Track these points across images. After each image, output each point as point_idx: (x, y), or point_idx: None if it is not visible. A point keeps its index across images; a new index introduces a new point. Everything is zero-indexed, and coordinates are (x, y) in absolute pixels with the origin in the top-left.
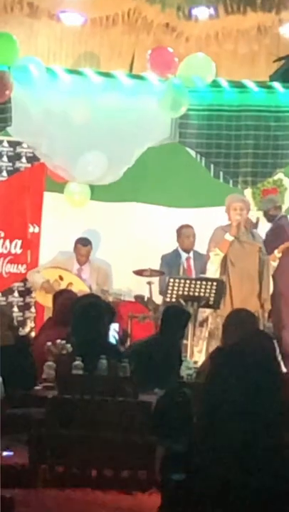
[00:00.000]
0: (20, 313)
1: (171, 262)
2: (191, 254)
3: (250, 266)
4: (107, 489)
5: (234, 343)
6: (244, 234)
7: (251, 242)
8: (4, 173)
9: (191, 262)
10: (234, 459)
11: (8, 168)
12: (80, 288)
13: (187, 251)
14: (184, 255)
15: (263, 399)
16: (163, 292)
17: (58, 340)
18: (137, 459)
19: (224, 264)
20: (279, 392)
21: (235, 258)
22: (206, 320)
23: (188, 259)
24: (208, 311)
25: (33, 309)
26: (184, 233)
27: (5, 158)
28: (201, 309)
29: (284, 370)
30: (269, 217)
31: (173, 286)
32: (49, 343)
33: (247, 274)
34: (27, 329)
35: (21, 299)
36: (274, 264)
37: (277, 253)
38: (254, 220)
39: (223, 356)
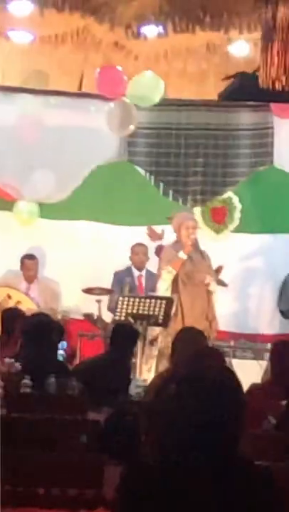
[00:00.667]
0: None
1: (122, 280)
2: (144, 272)
3: (200, 285)
4: (55, 508)
5: (192, 363)
6: (195, 252)
7: (201, 261)
8: None
9: (143, 280)
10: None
11: None
12: (28, 306)
13: (140, 269)
14: (136, 273)
15: (223, 414)
16: (112, 310)
17: (6, 359)
18: (84, 477)
19: (176, 282)
20: (239, 407)
21: (187, 277)
22: (156, 338)
23: (139, 277)
24: (158, 329)
25: None
26: (137, 251)
27: None
28: (151, 328)
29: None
30: None
31: (122, 304)
32: None
33: (198, 294)
34: None
35: None
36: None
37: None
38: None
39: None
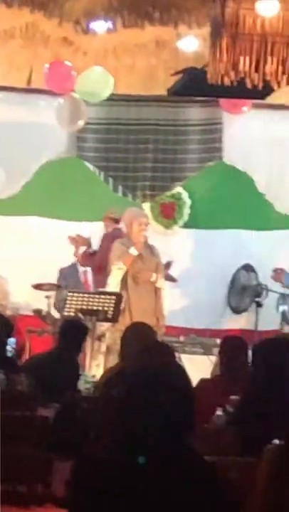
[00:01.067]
0: None
1: (68, 276)
2: (89, 268)
3: (149, 282)
4: (3, 504)
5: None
6: (145, 249)
7: (150, 258)
8: None
9: (89, 275)
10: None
11: None
12: None
13: (84, 265)
14: (80, 269)
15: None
16: (60, 306)
17: None
18: (33, 473)
19: (125, 279)
20: (188, 402)
21: (136, 273)
22: (103, 334)
23: (85, 272)
24: (106, 325)
25: None
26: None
27: None
28: (99, 323)
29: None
30: None
31: (71, 300)
32: None
33: (145, 290)
34: None
35: None
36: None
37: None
38: None
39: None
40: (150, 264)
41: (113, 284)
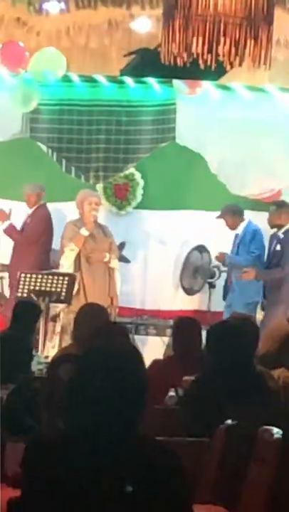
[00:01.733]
0: None
1: None
2: None
3: (102, 262)
4: None
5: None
6: (97, 229)
7: (103, 238)
8: None
9: None
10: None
11: None
12: None
13: None
14: None
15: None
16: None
17: None
18: None
19: (78, 259)
20: (141, 382)
21: (88, 254)
22: (58, 315)
23: None
24: (60, 306)
25: None
26: None
27: None
28: (53, 304)
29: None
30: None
31: (24, 280)
32: None
33: (98, 271)
34: None
35: None
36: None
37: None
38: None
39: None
40: (103, 245)
41: (66, 265)
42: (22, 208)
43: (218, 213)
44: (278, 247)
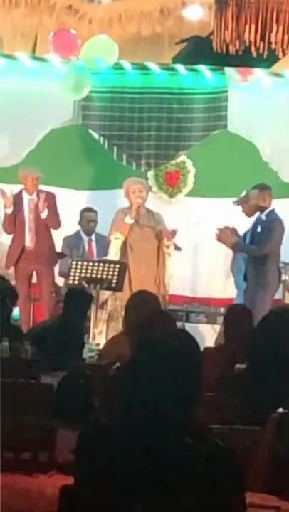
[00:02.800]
0: None
1: (72, 244)
2: (93, 236)
3: (149, 250)
4: (8, 471)
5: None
6: (144, 217)
7: (151, 225)
8: None
9: (93, 244)
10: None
11: None
12: None
13: (89, 234)
14: (85, 238)
15: (183, 378)
16: (65, 274)
17: None
18: (38, 440)
19: (124, 247)
20: (198, 370)
21: (134, 242)
22: (105, 302)
23: (89, 241)
24: (107, 293)
25: None
26: (86, 216)
27: None
28: (101, 292)
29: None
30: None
31: (76, 268)
32: None
33: (145, 258)
34: None
35: None
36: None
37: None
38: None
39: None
40: (150, 232)
41: (112, 253)
42: (73, 195)
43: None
44: (259, 229)
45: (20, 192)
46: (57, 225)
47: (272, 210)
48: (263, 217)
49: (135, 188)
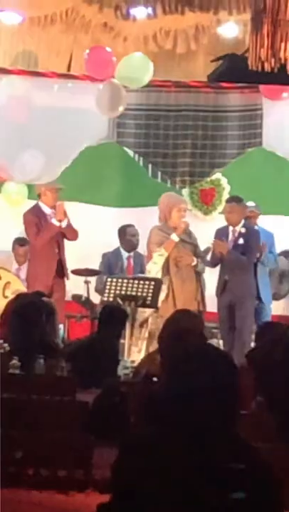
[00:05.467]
0: None
1: (111, 261)
2: (132, 253)
3: (190, 267)
4: (44, 489)
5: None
6: (184, 234)
7: (190, 242)
8: None
9: (132, 261)
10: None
11: None
12: (17, 287)
13: (129, 250)
14: (124, 254)
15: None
16: (100, 291)
17: None
18: (73, 458)
19: (167, 265)
20: (235, 387)
21: (178, 259)
22: (146, 320)
23: (128, 258)
24: (148, 311)
25: None
26: (129, 232)
27: None
28: (141, 310)
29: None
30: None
31: (110, 285)
32: None
33: (188, 275)
34: None
35: None
36: None
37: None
38: None
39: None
40: (189, 249)
41: (154, 270)
42: (107, 212)
43: None
44: (241, 241)
45: (38, 206)
46: (76, 235)
47: (246, 222)
48: (243, 229)
49: (181, 208)
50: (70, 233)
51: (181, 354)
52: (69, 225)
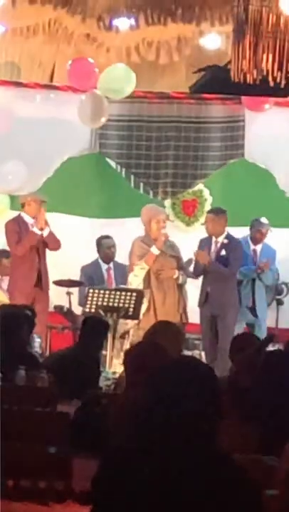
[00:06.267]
0: None
1: (91, 273)
2: (111, 264)
3: (171, 279)
4: (24, 500)
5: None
6: (166, 246)
7: (172, 254)
8: None
9: (112, 272)
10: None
11: None
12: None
13: (108, 261)
14: (103, 266)
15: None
16: (82, 303)
17: None
18: (54, 469)
19: (148, 277)
20: (216, 397)
21: (158, 271)
22: (127, 332)
23: (108, 269)
24: (130, 323)
25: None
26: (105, 244)
27: None
28: (123, 321)
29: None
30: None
31: (92, 296)
32: None
33: (169, 287)
34: None
35: None
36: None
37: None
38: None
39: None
40: (171, 261)
41: (135, 283)
42: (89, 223)
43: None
44: (223, 252)
45: (20, 216)
46: (58, 244)
47: (229, 233)
48: (225, 240)
49: (160, 219)
50: (52, 242)
51: (160, 366)
52: (50, 234)
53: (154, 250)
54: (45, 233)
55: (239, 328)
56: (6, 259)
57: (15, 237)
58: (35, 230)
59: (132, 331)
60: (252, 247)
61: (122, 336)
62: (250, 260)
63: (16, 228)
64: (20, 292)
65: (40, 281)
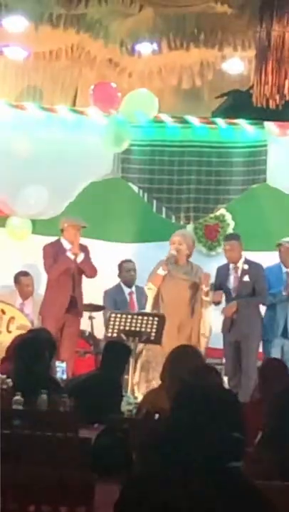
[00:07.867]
0: None
1: (114, 297)
2: (134, 288)
3: (181, 301)
4: None
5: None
6: (180, 268)
7: (184, 278)
8: None
9: (134, 296)
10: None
11: None
12: (21, 322)
13: (129, 285)
14: (126, 290)
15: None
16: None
17: None
18: (75, 495)
19: (157, 298)
20: (240, 424)
21: (165, 293)
22: (140, 352)
23: (130, 293)
24: (141, 344)
25: None
26: (125, 267)
27: None
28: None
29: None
30: None
31: (114, 321)
32: None
33: (177, 310)
34: None
35: None
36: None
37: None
38: None
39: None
40: (183, 284)
41: (148, 304)
42: (112, 248)
43: None
44: (246, 278)
45: (59, 241)
46: (94, 271)
47: (246, 258)
48: (245, 265)
49: (173, 240)
50: (88, 269)
51: (184, 392)
52: (86, 261)
53: (160, 271)
54: (79, 259)
55: (276, 353)
56: (24, 277)
57: (50, 260)
58: (69, 254)
59: (144, 351)
60: (284, 269)
61: (135, 357)
62: (284, 283)
63: (52, 251)
64: (51, 316)
65: (73, 306)
